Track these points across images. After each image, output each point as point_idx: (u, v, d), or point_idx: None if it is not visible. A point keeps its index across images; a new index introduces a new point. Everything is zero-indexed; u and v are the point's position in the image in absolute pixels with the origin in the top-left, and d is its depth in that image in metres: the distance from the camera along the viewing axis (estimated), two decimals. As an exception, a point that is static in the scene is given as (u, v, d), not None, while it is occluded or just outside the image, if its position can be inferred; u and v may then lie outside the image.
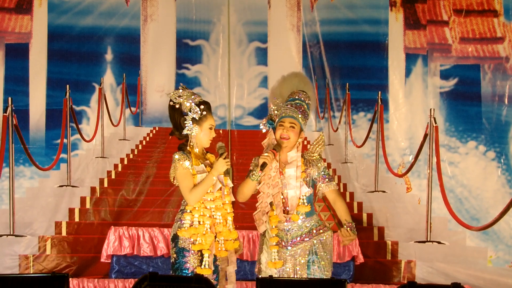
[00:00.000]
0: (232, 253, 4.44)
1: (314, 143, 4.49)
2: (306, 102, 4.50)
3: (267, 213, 4.41)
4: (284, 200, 4.39)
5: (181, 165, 4.28)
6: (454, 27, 9.93)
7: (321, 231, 4.41)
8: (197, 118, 4.33)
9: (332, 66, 10.11)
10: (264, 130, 4.59)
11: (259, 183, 4.40)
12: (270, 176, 4.37)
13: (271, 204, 4.40)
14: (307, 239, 4.37)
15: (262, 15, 10.44)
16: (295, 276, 4.33)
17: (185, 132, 4.34)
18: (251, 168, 4.46)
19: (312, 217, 4.42)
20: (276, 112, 4.55)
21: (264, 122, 4.58)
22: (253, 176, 4.36)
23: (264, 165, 4.29)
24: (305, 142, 7.98)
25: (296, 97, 4.51)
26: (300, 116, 4.43)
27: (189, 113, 4.32)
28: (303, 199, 4.39)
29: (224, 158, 4.32)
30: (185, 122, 4.32)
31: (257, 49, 10.43)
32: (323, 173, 4.43)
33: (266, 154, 4.33)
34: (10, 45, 9.92)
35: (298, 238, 4.38)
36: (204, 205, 4.32)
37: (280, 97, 4.59)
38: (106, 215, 7.75)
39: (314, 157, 4.46)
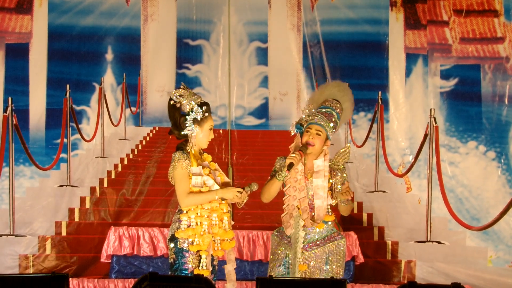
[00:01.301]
0: (230, 252, 4.45)
1: (340, 153, 4.52)
2: (337, 111, 4.51)
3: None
4: (310, 207, 4.42)
5: (180, 164, 4.28)
6: (454, 27, 9.93)
7: (335, 237, 4.46)
8: (199, 119, 4.32)
9: (333, 66, 10.11)
10: (292, 133, 4.60)
11: (284, 185, 4.45)
12: (296, 179, 4.40)
13: (297, 207, 4.43)
14: (322, 245, 4.42)
15: (263, 15, 10.45)
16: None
17: (185, 132, 4.33)
18: (275, 168, 4.48)
19: (328, 224, 4.47)
20: (307, 118, 4.56)
21: (293, 124, 4.58)
22: (279, 176, 4.36)
23: (291, 165, 4.31)
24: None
25: (328, 105, 4.53)
26: (327, 124, 4.44)
27: (190, 113, 4.31)
28: (328, 209, 4.44)
29: (241, 193, 4.28)
30: (186, 122, 4.32)
31: (257, 49, 10.43)
32: (344, 181, 4.49)
33: (293, 154, 4.34)
34: (10, 45, 9.93)
35: (313, 243, 4.43)
36: (202, 206, 4.31)
37: (317, 104, 4.60)
38: (106, 215, 7.74)
39: (339, 168, 4.49)
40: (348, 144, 4.76)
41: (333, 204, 4.46)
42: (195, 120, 4.31)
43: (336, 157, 4.51)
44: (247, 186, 4.30)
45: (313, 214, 4.41)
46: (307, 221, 4.39)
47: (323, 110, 4.50)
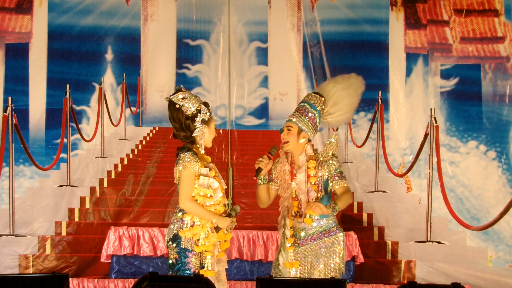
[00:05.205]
0: (222, 253, 4.47)
1: (327, 144, 4.54)
2: (310, 102, 4.54)
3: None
4: (299, 204, 4.45)
5: (191, 166, 4.28)
6: (454, 26, 9.92)
7: (333, 232, 4.46)
8: (206, 120, 4.37)
9: (333, 66, 10.10)
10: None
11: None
12: (285, 180, 4.44)
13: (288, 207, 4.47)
14: (319, 239, 4.43)
15: (263, 15, 10.44)
16: (306, 274, 4.39)
17: (195, 134, 4.34)
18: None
19: (328, 218, 4.47)
20: None
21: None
22: (259, 181, 4.47)
23: (259, 170, 4.39)
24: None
25: (305, 99, 4.59)
26: (297, 118, 4.49)
27: (199, 114, 4.33)
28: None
29: (232, 222, 4.36)
30: (195, 124, 4.33)
31: (257, 49, 10.43)
32: (336, 171, 4.47)
33: (260, 158, 4.39)
34: (10, 45, 9.92)
35: (311, 237, 4.44)
36: (204, 207, 4.32)
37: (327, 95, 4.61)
38: (106, 215, 7.74)
39: (328, 157, 4.48)
40: (334, 134, 4.77)
41: (318, 199, 4.44)
42: (203, 121, 4.35)
43: (325, 149, 4.52)
44: (232, 211, 4.36)
45: (301, 210, 4.44)
46: (291, 218, 4.43)
47: (298, 105, 4.58)
